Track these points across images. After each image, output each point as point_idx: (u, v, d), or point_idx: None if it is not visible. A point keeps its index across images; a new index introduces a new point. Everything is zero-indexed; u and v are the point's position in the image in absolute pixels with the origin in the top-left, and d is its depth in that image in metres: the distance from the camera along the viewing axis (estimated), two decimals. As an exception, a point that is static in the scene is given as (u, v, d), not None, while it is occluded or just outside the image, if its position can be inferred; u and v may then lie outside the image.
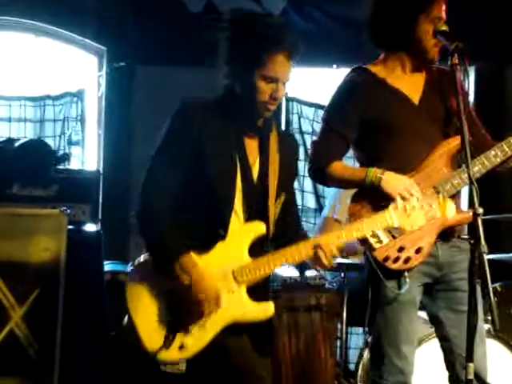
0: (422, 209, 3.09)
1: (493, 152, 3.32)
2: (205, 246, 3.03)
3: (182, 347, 3.03)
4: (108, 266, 4.95)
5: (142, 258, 3.14)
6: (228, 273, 3.04)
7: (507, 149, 3.33)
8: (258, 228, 3.07)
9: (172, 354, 3.03)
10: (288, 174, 3.21)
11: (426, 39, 3.32)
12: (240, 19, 3.09)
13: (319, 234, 4.70)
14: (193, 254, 2.98)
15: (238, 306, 3.05)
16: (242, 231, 3.07)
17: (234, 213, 3.05)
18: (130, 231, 5.77)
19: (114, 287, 4.50)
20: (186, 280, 2.96)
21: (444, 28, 3.28)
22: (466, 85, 3.25)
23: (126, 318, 3.11)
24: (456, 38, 3.20)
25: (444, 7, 3.34)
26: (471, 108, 3.48)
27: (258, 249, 3.08)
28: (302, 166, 6.03)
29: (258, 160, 3.12)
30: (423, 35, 3.32)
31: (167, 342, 3.03)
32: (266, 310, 3.07)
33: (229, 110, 3.07)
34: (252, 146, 3.12)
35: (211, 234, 3.04)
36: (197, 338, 3.03)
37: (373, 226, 3.10)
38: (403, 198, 3.17)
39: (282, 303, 4.58)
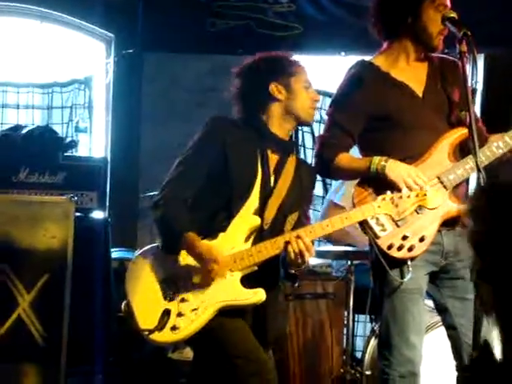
0: (408, 198, 3.19)
1: (495, 144, 3.32)
2: (208, 234, 3.23)
3: (174, 328, 3.17)
4: (115, 254, 4.97)
5: (148, 246, 3.36)
6: (228, 259, 3.20)
7: (510, 141, 3.33)
8: (253, 221, 3.26)
9: (164, 336, 3.18)
10: (302, 196, 3.43)
11: (431, 26, 3.32)
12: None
13: (322, 218, 4.72)
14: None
15: (229, 291, 3.19)
16: (241, 222, 3.26)
17: (242, 210, 3.26)
18: (138, 218, 5.80)
19: (121, 274, 4.51)
20: (194, 250, 3.15)
21: (453, 15, 3.27)
22: (475, 72, 3.23)
23: (124, 302, 3.26)
24: (464, 25, 3.18)
25: None
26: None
27: (256, 240, 3.25)
28: (310, 154, 6.03)
29: (273, 174, 3.35)
30: (428, 22, 3.32)
31: (161, 324, 3.16)
32: (256, 294, 3.19)
33: (257, 129, 3.35)
34: (273, 159, 3.36)
35: (215, 226, 3.25)
36: (190, 321, 3.16)
37: (360, 215, 3.22)
38: (408, 186, 3.20)
39: (288, 290, 4.59)
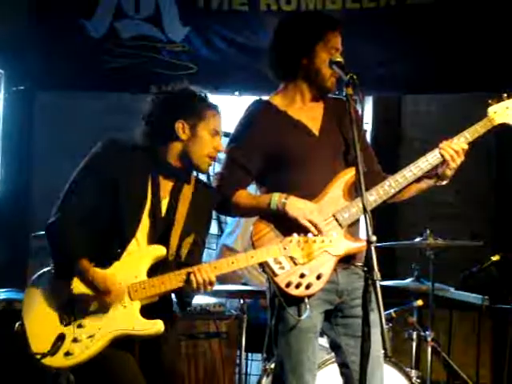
0: (314, 243, 3.22)
1: (387, 183, 3.41)
2: (102, 264, 3.20)
3: (67, 354, 3.14)
4: (3, 295, 4.83)
5: (44, 270, 3.31)
6: (122, 288, 3.18)
7: (401, 180, 3.42)
8: (158, 250, 3.25)
9: (57, 361, 3.14)
10: (199, 219, 3.42)
11: (324, 68, 3.40)
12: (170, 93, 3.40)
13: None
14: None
15: (127, 320, 3.17)
16: (142, 252, 3.24)
17: (135, 238, 3.25)
18: (28, 258, 5.66)
19: (9, 316, 4.39)
20: (87, 278, 3.14)
21: (339, 59, 3.36)
22: (361, 115, 3.31)
23: (18, 323, 3.22)
24: (349, 69, 3.27)
25: (340, 38, 3.43)
26: (366, 139, 3.56)
27: (160, 271, 3.24)
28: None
29: (168, 197, 3.34)
30: (321, 64, 3.40)
31: (54, 348, 3.13)
32: (154, 325, 3.18)
33: (150, 155, 3.33)
34: (166, 185, 3.34)
35: (110, 253, 3.22)
36: (84, 347, 3.14)
37: (265, 255, 3.24)
38: (307, 225, 3.25)
39: (180, 330, 4.56)
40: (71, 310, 3.17)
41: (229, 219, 6.05)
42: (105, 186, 3.24)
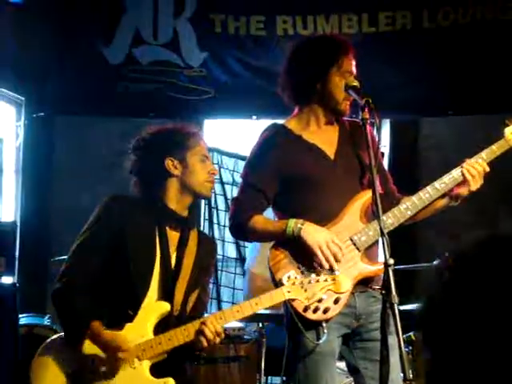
0: (317, 282, 3.22)
1: (404, 205, 3.41)
2: (113, 325, 3.15)
3: None
4: (24, 320, 4.86)
5: (52, 337, 3.27)
6: (132, 349, 3.13)
7: (417, 202, 3.42)
8: (163, 307, 3.20)
9: None
10: (203, 270, 3.40)
11: (337, 92, 3.41)
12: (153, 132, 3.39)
13: (246, 287, 4.71)
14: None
15: (138, 380, 3.13)
16: (148, 310, 3.19)
17: (147, 296, 3.20)
18: (47, 282, 5.70)
19: (31, 341, 4.42)
20: (98, 341, 3.08)
21: (355, 83, 3.37)
22: (377, 138, 3.32)
23: None
24: (365, 93, 3.29)
25: (354, 62, 3.45)
26: (382, 161, 3.57)
27: (165, 328, 3.19)
28: (223, 216, 6.06)
29: (176, 251, 3.30)
30: (334, 88, 3.41)
31: None
32: (166, 383, 3.14)
33: (155, 205, 3.29)
34: (173, 237, 3.31)
35: (124, 314, 3.17)
36: None
37: (269, 301, 3.22)
38: (321, 255, 3.25)
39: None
40: (81, 376, 3.13)
41: (247, 243, 6.06)
42: (111, 245, 3.19)
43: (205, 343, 3.11)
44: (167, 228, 3.29)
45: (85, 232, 3.24)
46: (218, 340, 3.14)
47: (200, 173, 3.32)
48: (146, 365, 3.15)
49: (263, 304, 3.22)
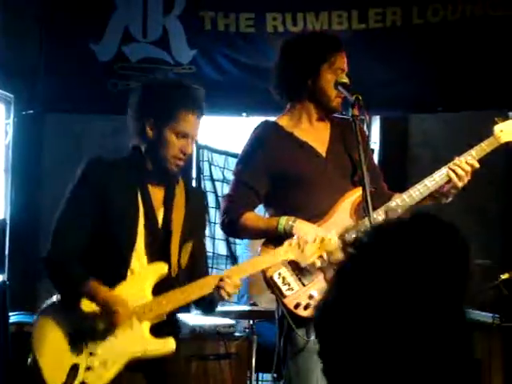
0: (314, 242, 3.23)
1: (394, 202, 3.42)
2: (108, 285, 3.16)
3: (83, 383, 3.11)
4: (14, 318, 4.84)
5: (49, 301, 3.29)
6: (130, 310, 3.14)
7: (408, 200, 3.43)
8: (160, 268, 3.22)
9: None
10: (196, 223, 3.37)
11: (329, 89, 3.42)
12: (152, 83, 3.38)
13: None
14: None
15: (138, 342, 3.16)
16: (144, 271, 3.21)
17: (135, 255, 3.20)
18: (38, 278, 5.68)
19: (21, 339, 4.41)
20: (95, 297, 3.11)
21: (344, 80, 3.38)
22: (370, 134, 3.33)
23: (31, 357, 3.18)
24: (355, 90, 3.29)
25: (345, 59, 3.46)
26: (372, 158, 3.58)
27: (163, 288, 3.21)
28: (214, 213, 6.05)
29: (162, 207, 3.27)
30: (326, 85, 3.42)
31: (69, 380, 3.10)
32: (166, 343, 3.19)
33: (135, 165, 3.25)
34: (157, 194, 3.27)
35: (113, 274, 3.18)
36: (98, 375, 3.12)
37: (272, 260, 3.26)
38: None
39: (191, 351, 4.55)
40: (82, 338, 3.16)
41: (238, 240, 6.06)
42: (94, 206, 3.19)
43: (224, 295, 3.16)
44: (149, 186, 3.26)
45: (67, 198, 3.25)
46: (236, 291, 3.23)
47: (170, 147, 3.19)
48: (146, 326, 3.18)
49: (266, 262, 3.29)
